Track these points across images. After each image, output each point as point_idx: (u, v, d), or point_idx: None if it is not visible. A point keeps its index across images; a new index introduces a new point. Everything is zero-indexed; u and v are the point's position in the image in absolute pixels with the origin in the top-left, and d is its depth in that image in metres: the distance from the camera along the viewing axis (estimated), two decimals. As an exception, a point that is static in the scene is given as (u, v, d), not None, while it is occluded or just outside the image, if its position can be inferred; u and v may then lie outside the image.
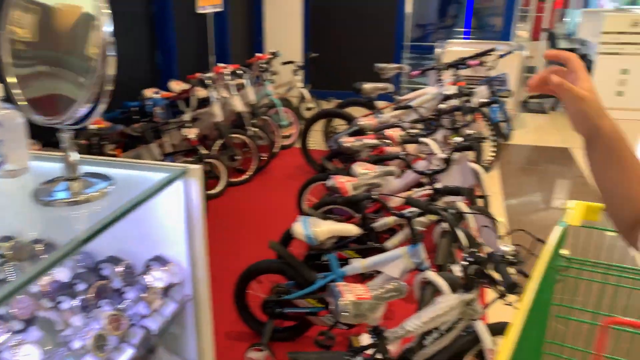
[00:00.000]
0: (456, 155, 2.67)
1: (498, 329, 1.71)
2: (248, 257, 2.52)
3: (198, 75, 4.06)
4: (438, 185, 2.56)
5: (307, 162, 4.38)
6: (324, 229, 2.19)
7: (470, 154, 2.83)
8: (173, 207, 1.20)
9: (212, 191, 3.89)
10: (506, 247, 1.54)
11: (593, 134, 0.69)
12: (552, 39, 6.94)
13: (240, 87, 4.53)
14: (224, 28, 5.70)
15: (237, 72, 4.50)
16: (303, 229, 2.16)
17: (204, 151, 3.88)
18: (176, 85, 4.29)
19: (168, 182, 1.11)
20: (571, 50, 7.18)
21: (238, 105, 4.21)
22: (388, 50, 6.52)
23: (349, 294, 1.68)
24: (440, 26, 10.68)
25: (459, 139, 2.59)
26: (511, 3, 7.41)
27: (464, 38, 9.28)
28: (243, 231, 3.44)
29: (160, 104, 3.70)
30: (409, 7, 6.49)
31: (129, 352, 1.05)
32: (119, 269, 1.18)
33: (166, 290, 1.21)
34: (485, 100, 3.61)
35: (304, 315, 2.29)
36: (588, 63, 6.37)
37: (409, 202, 2.02)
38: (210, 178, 3.92)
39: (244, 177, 4.20)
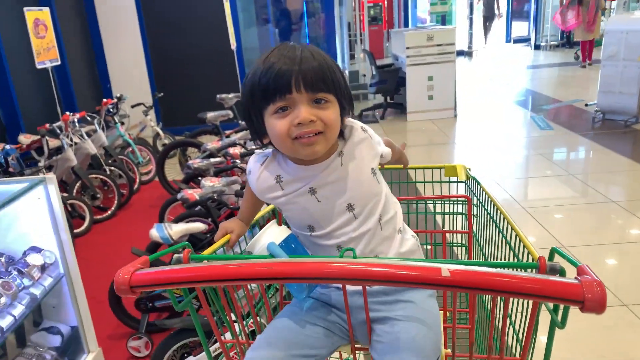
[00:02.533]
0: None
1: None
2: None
3: (47, 125, 4.30)
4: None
5: (168, 192, 4.79)
6: (177, 229, 2.68)
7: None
8: (38, 209, 1.63)
9: (78, 230, 4.13)
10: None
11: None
12: (371, 57, 8.13)
13: (91, 132, 4.82)
14: (67, 79, 5.92)
15: (87, 118, 4.80)
16: (158, 233, 2.63)
17: (63, 194, 4.13)
18: (25, 138, 4.46)
19: (30, 188, 1.55)
20: (389, 65, 8.49)
21: (91, 148, 4.51)
22: (234, 82, 7.17)
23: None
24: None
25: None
26: (332, 31, 8.55)
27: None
28: (114, 258, 3.76)
29: (12, 153, 3.90)
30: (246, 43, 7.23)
31: (20, 308, 1.46)
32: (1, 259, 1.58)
33: (43, 269, 1.63)
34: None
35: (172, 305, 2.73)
36: (403, 74, 7.62)
37: (237, 194, 2.60)
38: (74, 218, 4.16)
39: (107, 213, 4.49)
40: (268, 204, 1.37)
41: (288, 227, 1.14)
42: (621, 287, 2.80)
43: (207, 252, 1.19)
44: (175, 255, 1.00)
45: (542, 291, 0.67)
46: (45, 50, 4.53)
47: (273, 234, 1.02)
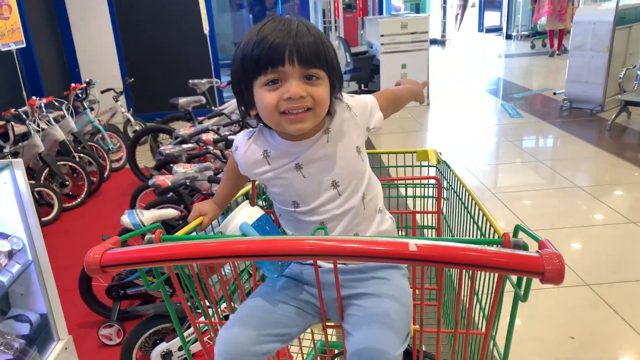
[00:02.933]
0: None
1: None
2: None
3: (12, 110, 4.17)
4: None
5: (139, 179, 4.72)
6: (148, 216, 2.65)
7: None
8: (4, 194, 1.60)
9: (47, 218, 4.04)
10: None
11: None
12: (345, 44, 8.12)
13: (59, 118, 4.70)
14: (33, 63, 5.74)
15: (54, 103, 4.68)
16: (129, 219, 2.60)
17: (31, 182, 4.03)
18: (-11, 124, 4.32)
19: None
20: (364, 52, 8.49)
21: (59, 134, 4.40)
22: (207, 68, 7.06)
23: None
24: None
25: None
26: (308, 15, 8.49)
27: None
28: (84, 247, 3.69)
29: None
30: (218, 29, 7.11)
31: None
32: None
33: (10, 256, 1.60)
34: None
35: (145, 292, 2.71)
36: (377, 62, 7.64)
37: (210, 180, 2.59)
38: (42, 206, 4.07)
39: (76, 201, 4.40)
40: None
41: (261, 208, 1.14)
42: (584, 268, 2.91)
43: (180, 233, 1.19)
44: (147, 236, 0.99)
45: (505, 264, 0.69)
46: (9, 32, 4.38)
47: (246, 215, 1.02)
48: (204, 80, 5.14)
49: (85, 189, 4.45)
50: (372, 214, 1.14)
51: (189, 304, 1.08)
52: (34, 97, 4.30)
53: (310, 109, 1.01)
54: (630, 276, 2.84)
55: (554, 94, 7.08)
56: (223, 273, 1.42)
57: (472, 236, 1.28)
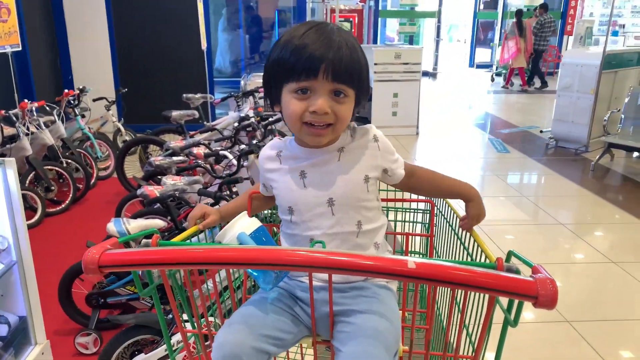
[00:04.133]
0: (246, 162, 3.33)
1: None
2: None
3: (2, 112, 4.13)
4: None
5: (126, 189, 4.69)
6: (135, 225, 2.62)
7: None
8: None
9: (29, 222, 3.97)
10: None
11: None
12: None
13: (49, 123, 4.67)
14: (27, 66, 5.72)
15: (45, 108, 4.65)
16: (115, 227, 2.57)
17: (15, 184, 3.98)
18: (-23, 124, 4.28)
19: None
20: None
21: (48, 139, 4.37)
22: (202, 83, 7.09)
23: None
24: (251, 62, 11.69)
25: (243, 147, 3.26)
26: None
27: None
28: (65, 252, 3.64)
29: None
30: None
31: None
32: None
33: (-5, 255, 1.57)
34: (272, 119, 4.37)
35: (126, 302, 2.67)
36: (370, 90, 7.74)
37: (200, 192, 2.59)
38: (25, 209, 4.00)
39: (61, 207, 4.34)
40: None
41: (258, 219, 1.15)
42: (565, 304, 2.94)
43: (177, 239, 1.19)
44: (144, 240, 1.00)
45: (500, 286, 0.71)
46: (6, 35, 4.37)
47: (244, 225, 1.03)
48: (197, 95, 5.17)
49: (71, 195, 4.40)
50: (366, 244, 1.14)
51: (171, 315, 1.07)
52: (25, 100, 4.27)
53: (331, 125, 1.05)
54: (609, 315, 2.87)
55: (541, 131, 7.23)
56: (217, 280, 1.41)
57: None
